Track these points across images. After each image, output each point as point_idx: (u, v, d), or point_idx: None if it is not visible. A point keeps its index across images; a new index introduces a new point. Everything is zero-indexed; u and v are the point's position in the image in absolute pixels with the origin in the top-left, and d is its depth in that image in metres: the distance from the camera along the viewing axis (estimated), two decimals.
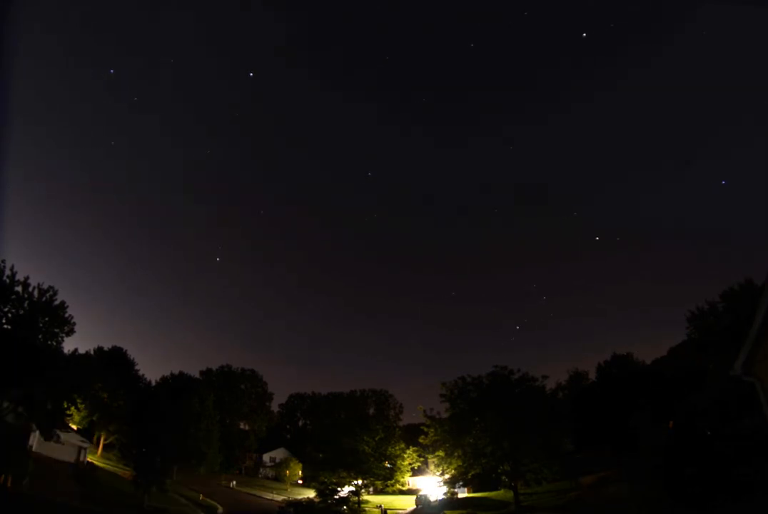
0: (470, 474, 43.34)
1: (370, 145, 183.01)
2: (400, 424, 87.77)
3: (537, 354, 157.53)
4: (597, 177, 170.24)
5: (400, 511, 51.86)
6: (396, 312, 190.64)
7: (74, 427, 46.14)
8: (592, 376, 58.59)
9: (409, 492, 65.39)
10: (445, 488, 48.42)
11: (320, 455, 58.75)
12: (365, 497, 56.47)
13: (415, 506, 52.79)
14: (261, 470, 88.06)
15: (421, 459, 61.44)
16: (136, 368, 60.79)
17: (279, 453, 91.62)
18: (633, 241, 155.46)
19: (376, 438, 55.98)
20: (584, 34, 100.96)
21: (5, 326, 29.28)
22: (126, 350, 60.85)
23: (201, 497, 47.72)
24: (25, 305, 30.05)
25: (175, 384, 59.61)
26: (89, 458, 44.46)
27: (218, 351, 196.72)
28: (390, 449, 56.88)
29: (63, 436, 32.45)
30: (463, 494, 53.38)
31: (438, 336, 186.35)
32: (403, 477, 58.82)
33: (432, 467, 59.07)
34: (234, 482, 65.95)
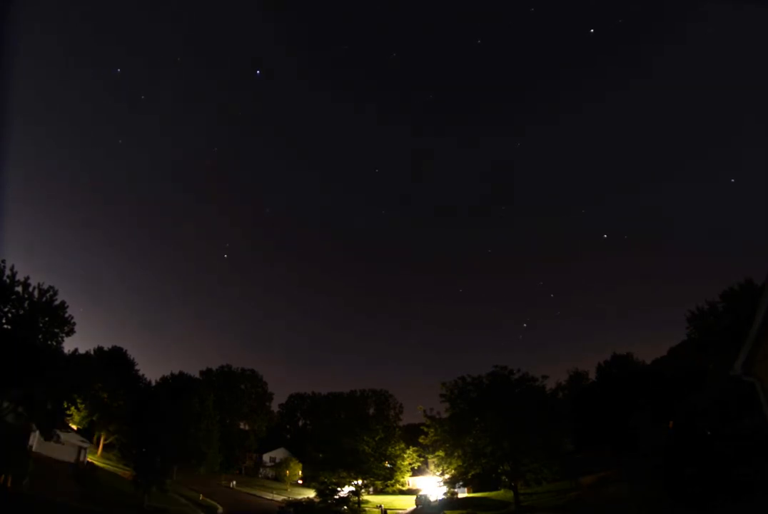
0: (470, 474, 43.33)
1: (375, 144, 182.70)
2: (400, 424, 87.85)
3: (537, 354, 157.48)
4: (604, 175, 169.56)
5: (400, 511, 51.85)
6: (396, 312, 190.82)
7: (74, 427, 46.13)
8: (592, 376, 58.69)
9: (409, 492, 65.38)
10: (445, 488, 48.40)
11: (320, 455, 58.74)
12: (365, 497, 56.46)
13: (415, 506, 52.79)
14: (261, 470, 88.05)
15: (421, 459, 61.42)
16: (136, 368, 60.87)
17: (279, 453, 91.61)
18: (639, 240, 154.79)
19: (376, 438, 55.97)
20: (592, 31, 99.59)
21: (5, 326, 29.28)
22: (126, 350, 60.94)
23: (201, 497, 47.72)
24: (25, 305, 30.04)
25: (175, 384, 59.62)
26: (89, 458, 44.45)
27: (218, 351, 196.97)
28: (390, 449, 56.87)
29: (63, 436, 32.43)
30: (463, 494, 53.37)
31: (438, 336, 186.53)
32: (403, 477, 58.81)
33: (432, 467, 59.06)
34: (234, 482, 65.95)
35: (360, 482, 54.77)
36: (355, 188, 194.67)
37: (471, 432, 42.61)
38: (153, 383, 61.86)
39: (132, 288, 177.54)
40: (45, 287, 31.20)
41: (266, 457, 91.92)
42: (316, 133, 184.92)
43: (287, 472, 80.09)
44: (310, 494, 52.18)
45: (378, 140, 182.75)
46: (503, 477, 42.59)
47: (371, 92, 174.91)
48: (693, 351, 42.05)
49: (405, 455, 58.43)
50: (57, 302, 31.56)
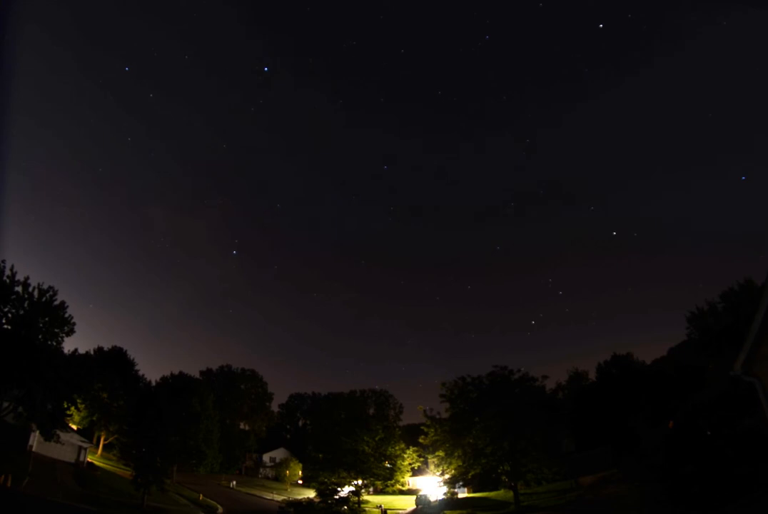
0: (470, 474, 43.29)
1: (385, 144, 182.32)
2: (400, 424, 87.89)
3: (539, 354, 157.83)
4: (613, 173, 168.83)
5: (400, 511, 51.83)
6: (396, 312, 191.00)
7: (74, 427, 46.14)
8: (592, 376, 58.68)
9: (409, 492, 65.39)
10: (445, 488, 48.35)
11: (320, 455, 58.72)
12: (365, 497, 56.44)
13: (415, 506, 52.77)
14: (261, 470, 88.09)
15: (421, 459, 61.41)
16: (136, 368, 60.84)
17: (279, 453, 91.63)
18: (645, 239, 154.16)
19: (376, 438, 55.96)
20: (600, 26, 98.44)
21: (5, 326, 29.26)
22: (126, 350, 60.91)
23: (201, 497, 47.73)
24: (25, 305, 30.04)
25: (175, 384, 59.55)
26: (89, 458, 44.47)
27: (218, 351, 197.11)
28: (390, 449, 56.87)
29: (63, 436, 32.42)
30: (463, 494, 53.35)
31: (439, 336, 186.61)
32: (403, 477, 58.80)
33: (432, 467, 59.04)
34: (234, 482, 65.97)
35: (360, 482, 54.77)
36: (356, 189, 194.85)
37: (471, 432, 42.56)
38: (153, 383, 61.92)
39: (132, 288, 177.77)
40: (45, 287, 31.24)
41: (266, 457, 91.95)
42: (324, 130, 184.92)
43: (287, 472, 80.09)
44: (310, 494, 52.12)
45: (383, 138, 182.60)
46: (503, 477, 42.58)
47: (375, 89, 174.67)
48: (693, 351, 42.05)
49: (405, 455, 58.42)
50: (57, 302, 31.58)
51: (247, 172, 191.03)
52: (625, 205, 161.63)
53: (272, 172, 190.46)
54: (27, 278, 30.36)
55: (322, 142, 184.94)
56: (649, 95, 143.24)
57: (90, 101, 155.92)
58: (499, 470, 42.01)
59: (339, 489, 48.75)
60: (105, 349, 59.92)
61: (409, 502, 56.51)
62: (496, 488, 50.65)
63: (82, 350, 49.20)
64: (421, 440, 49.62)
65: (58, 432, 30.63)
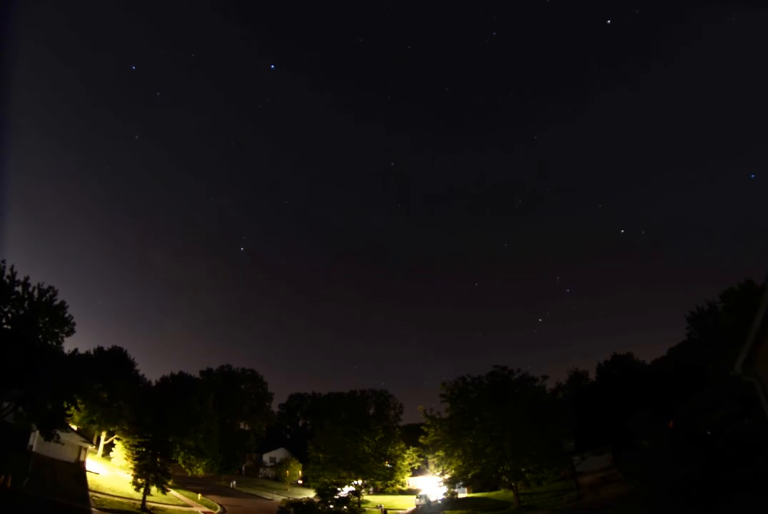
0: (470, 474, 43.32)
1: (391, 141, 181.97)
2: (400, 424, 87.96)
3: (538, 354, 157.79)
4: (621, 170, 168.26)
5: (400, 511, 51.83)
6: (395, 312, 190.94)
7: (74, 427, 46.11)
8: (592, 376, 58.64)
9: (409, 492, 65.38)
10: (445, 488, 48.39)
11: (320, 455, 58.74)
12: (365, 497, 56.44)
13: (415, 506, 52.77)
14: (261, 470, 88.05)
15: (421, 459, 61.43)
16: (136, 368, 60.82)
17: (279, 453, 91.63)
18: (653, 238, 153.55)
19: (376, 438, 55.96)
20: (608, 21, 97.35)
21: (5, 326, 29.24)
22: (126, 350, 60.85)
23: (201, 497, 47.72)
24: (25, 305, 30.01)
25: (175, 384, 59.54)
26: (89, 458, 44.42)
27: (218, 351, 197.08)
28: (390, 449, 56.87)
29: (63, 436, 32.40)
30: (463, 494, 53.37)
31: (439, 336, 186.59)
32: (403, 477, 58.81)
33: (432, 467, 59.06)
34: (234, 482, 65.94)
35: (360, 482, 54.78)
36: (362, 187, 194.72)
37: (471, 432, 42.59)
38: (153, 383, 61.86)
39: (132, 288, 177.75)
40: (45, 287, 31.22)
41: (266, 457, 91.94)
42: (324, 128, 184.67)
43: (287, 472, 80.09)
44: (310, 494, 52.11)
45: (389, 136, 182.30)
46: (503, 477, 42.60)
47: (381, 87, 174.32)
48: (693, 351, 42.05)
49: (405, 455, 58.43)
50: (57, 302, 31.55)
51: (251, 170, 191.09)
52: (632, 203, 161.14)
53: (277, 169, 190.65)
54: (27, 278, 30.34)
55: (328, 140, 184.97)
56: (657, 93, 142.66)
57: (89, 100, 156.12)
58: (499, 470, 42.02)
59: (339, 489, 48.73)
60: (105, 349, 59.91)
61: (409, 502, 56.51)
62: (496, 488, 50.68)
63: (82, 350, 49.13)
64: (421, 440, 49.63)
65: (58, 432, 30.62)
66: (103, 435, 55.20)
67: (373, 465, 54.84)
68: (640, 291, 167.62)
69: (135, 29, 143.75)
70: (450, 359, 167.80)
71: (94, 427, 52.81)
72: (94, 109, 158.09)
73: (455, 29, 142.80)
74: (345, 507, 45.85)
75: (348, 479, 53.41)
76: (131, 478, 37.04)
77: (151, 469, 36.19)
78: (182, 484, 52.89)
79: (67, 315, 31.99)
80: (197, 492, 49.24)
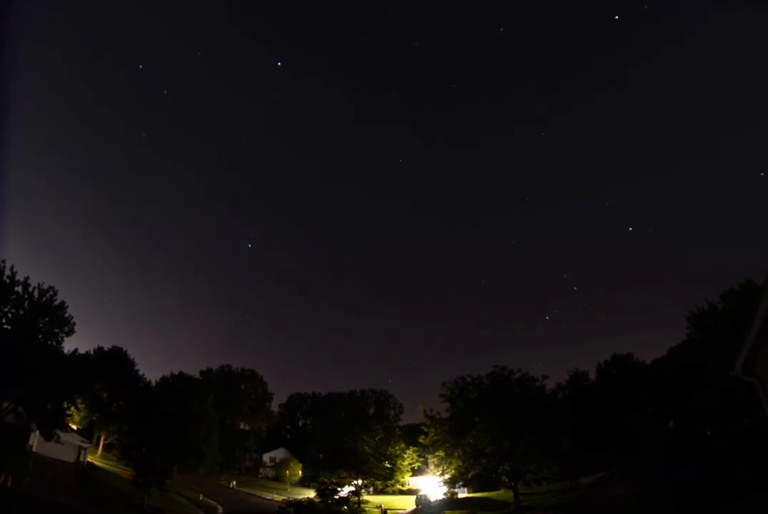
0: (470, 474, 43.33)
1: (398, 138, 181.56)
2: (400, 424, 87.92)
3: (537, 354, 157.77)
4: (630, 167, 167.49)
5: (400, 511, 51.83)
6: (397, 310, 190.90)
7: (74, 427, 46.09)
8: (592, 376, 58.59)
9: (409, 492, 65.38)
10: (445, 488, 48.38)
11: (320, 455, 58.79)
12: (365, 497, 56.45)
13: (415, 506, 52.77)
14: (261, 470, 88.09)
15: (421, 459, 61.43)
16: (136, 368, 60.75)
17: (279, 453, 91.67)
18: (661, 236, 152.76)
19: (376, 438, 55.96)
20: (616, 17, 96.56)
21: (5, 326, 29.24)
22: (126, 350, 60.80)
23: (201, 497, 47.75)
24: (25, 305, 30.01)
25: (175, 384, 59.46)
26: (89, 458, 44.38)
27: (218, 351, 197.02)
28: (390, 449, 56.87)
29: (63, 436, 32.33)
30: (463, 494, 53.36)
31: (439, 336, 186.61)
32: (403, 477, 58.80)
33: (432, 467, 59.04)
34: (234, 482, 65.98)
35: (360, 482, 54.77)
36: (363, 185, 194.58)
37: (471, 432, 42.60)
38: (153, 383, 61.78)
39: (132, 288, 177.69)
40: (45, 287, 31.21)
41: (266, 457, 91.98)
42: (330, 126, 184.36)
43: (287, 472, 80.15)
44: (310, 494, 52.15)
45: (395, 132, 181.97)
46: (503, 477, 42.64)
47: (388, 83, 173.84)
48: (693, 351, 42.01)
49: (405, 455, 58.43)
50: (57, 302, 31.55)
51: (256, 167, 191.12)
52: (641, 200, 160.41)
53: (282, 167, 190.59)
54: (27, 278, 30.32)
55: (334, 137, 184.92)
56: (665, 88, 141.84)
57: (95, 99, 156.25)
58: (499, 470, 42.06)
59: (339, 489, 48.80)
60: (105, 349, 59.85)
61: (409, 502, 56.51)
62: (496, 488, 50.70)
63: (82, 350, 49.02)
64: (421, 440, 49.65)
65: (58, 432, 30.62)
66: (103, 435, 55.20)
67: (373, 465, 54.84)
68: (640, 291, 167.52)
69: (141, 28, 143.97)
70: (450, 359, 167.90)
71: (94, 427, 52.86)
72: (99, 108, 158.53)
73: (462, 25, 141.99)
74: (345, 507, 45.91)
75: (348, 479, 53.41)
76: (131, 478, 37.08)
77: (150, 469, 36.20)
78: (182, 484, 52.92)
79: (67, 315, 32.00)
80: (197, 492, 49.27)
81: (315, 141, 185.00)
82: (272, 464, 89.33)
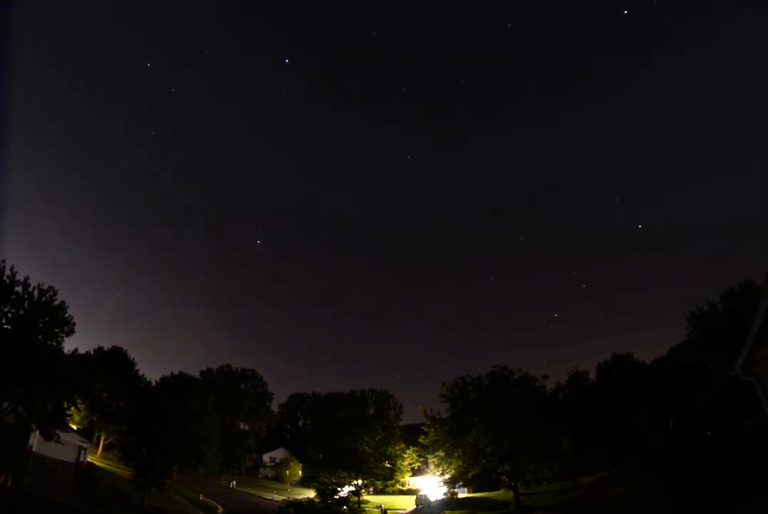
0: (470, 474, 43.32)
1: (405, 136, 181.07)
2: (400, 424, 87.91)
3: (538, 354, 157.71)
4: (635, 165, 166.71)
5: (400, 511, 51.83)
6: (397, 311, 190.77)
7: (74, 427, 46.07)
8: (592, 376, 58.58)
9: (409, 492, 65.37)
10: (445, 488, 48.38)
11: (320, 455, 58.79)
12: (365, 497, 56.45)
13: (415, 506, 52.77)
14: (261, 470, 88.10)
15: (421, 459, 61.43)
16: (136, 368, 60.75)
17: (279, 453, 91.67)
18: (670, 234, 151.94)
19: (376, 438, 55.96)
20: (625, 12, 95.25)
21: (5, 326, 29.22)
22: (126, 350, 60.80)
23: (201, 497, 47.74)
24: (25, 305, 29.98)
25: (175, 384, 59.47)
26: (89, 458, 44.36)
27: (218, 351, 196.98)
28: (390, 449, 56.87)
29: (63, 436, 32.32)
30: (463, 494, 53.35)
31: (439, 336, 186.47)
32: (403, 477, 58.80)
33: (432, 467, 59.06)
34: (234, 482, 65.98)
35: (360, 482, 54.77)
36: (368, 183, 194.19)
37: (471, 432, 42.60)
38: (153, 383, 61.78)
39: (132, 288, 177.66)
40: (45, 287, 31.19)
41: (266, 457, 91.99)
42: (337, 124, 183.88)
43: (287, 472, 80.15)
44: (310, 494, 52.15)
45: (404, 130, 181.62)
46: (503, 477, 42.61)
47: (397, 80, 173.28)
48: (693, 351, 41.97)
49: (405, 455, 58.43)
50: (57, 302, 31.51)
51: (258, 167, 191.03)
52: (649, 198, 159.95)
53: (285, 166, 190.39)
54: (27, 278, 30.28)
55: (342, 134, 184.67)
56: (672, 86, 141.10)
57: (101, 98, 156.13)
58: (499, 470, 42.05)
59: (339, 489, 48.80)
60: (105, 349, 59.85)
61: (409, 502, 56.51)
62: (496, 488, 50.69)
63: (82, 350, 48.99)
64: (421, 440, 49.64)
65: (58, 432, 30.61)
66: (103, 435, 55.19)
67: (373, 465, 54.84)
68: (641, 290, 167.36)
69: (149, 27, 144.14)
70: (451, 359, 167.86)
71: (94, 427, 52.85)
72: (99, 108, 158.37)
73: (470, 21, 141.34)
74: (345, 507, 45.90)
75: (348, 479, 53.41)
76: (131, 478, 37.08)
77: (150, 469, 36.20)
78: (182, 484, 52.93)
79: (67, 315, 31.95)
80: (197, 492, 49.27)
81: (318, 140, 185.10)
82: (272, 464, 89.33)
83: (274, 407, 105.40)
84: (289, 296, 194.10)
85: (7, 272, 29.37)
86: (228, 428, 78.48)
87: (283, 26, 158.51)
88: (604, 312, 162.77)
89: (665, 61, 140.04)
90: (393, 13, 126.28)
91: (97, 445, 54.25)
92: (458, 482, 47.38)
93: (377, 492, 62.62)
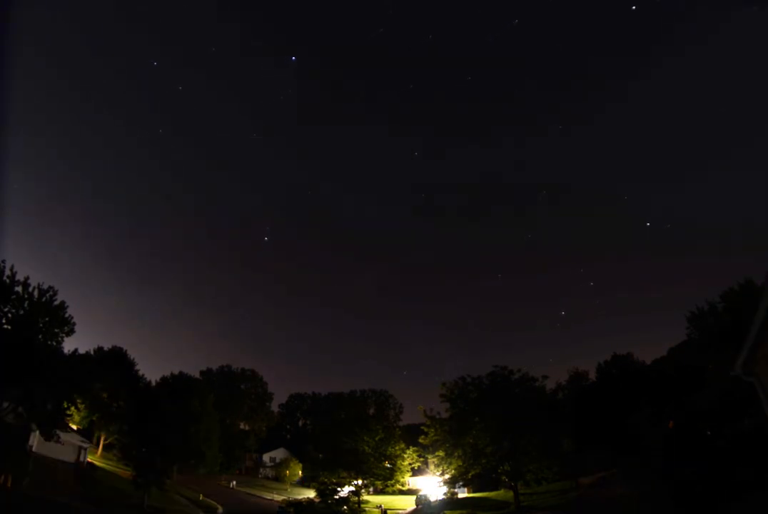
0: (470, 474, 43.33)
1: (412, 133, 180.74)
2: (400, 424, 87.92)
3: (530, 355, 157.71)
4: (644, 163, 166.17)
5: (400, 511, 51.83)
6: (396, 311, 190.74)
7: (74, 427, 46.07)
8: (592, 376, 58.57)
9: (409, 492, 65.37)
10: (445, 488, 48.39)
11: (320, 455, 58.80)
12: (365, 497, 56.45)
13: (415, 506, 52.77)
14: (261, 470, 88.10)
15: (421, 459, 61.43)
16: (136, 368, 60.74)
17: (279, 453, 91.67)
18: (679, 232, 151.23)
19: (376, 438, 55.97)
20: (633, 7, 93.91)
21: (5, 326, 29.21)
22: (126, 350, 60.80)
23: (201, 497, 47.74)
24: (25, 305, 29.97)
25: (175, 384, 59.47)
26: (89, 458, 44.37)
27: (218, 351, 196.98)
28: (390, 449, 56.88)
29: (63, 436, 32.31)
30: (463, 494, 53.35)
31: (439, 336, 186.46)
32: (403, 477, 58.81)
33: (432, 467, 59.06)
34: (234, 482, 65.98)
35: (360, 482, 54.78)
36: (372, 181, 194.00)
37: (471, 432, 42.60)
38: (153, 383, 61.78)
39: (132, 288, 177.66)
40: (45, 287, 31.18)
41: (266, 457, 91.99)
42: (343, 121, 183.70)
43: (287, 472, 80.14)
44: (310, 494, 52.16)
45: (410, 128, 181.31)
46: (503, 477, 42.61)
47: (404, 77, 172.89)
48: (693, 351, 41.96)
49: (405, 455, 58.43)
50: (57, 302, 31.50)
51: (259, 166, 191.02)
52: (649, 198, 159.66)
53: (289, 164, 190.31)
54: (27, 278, 30.27)
55: (340, 136, 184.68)
56: (684, 83, 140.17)
57: (88, 98, 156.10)
58: (499, 470, 42.05)
59: (339, 489, 48.80)
60: (105, 349, 59.84)
61: (409, 502, 56.51)
62: (496, 488, 50.68)
63: (82, 350, 48.98)
64: (421, 440, 49.64)
65: (58, 432, 30.61)
66: (103, 435, 55.19)
67: (373, 465, 54.85)
68: (641, 290, 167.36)
69: (149, 27, 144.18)
70: (451, 359, 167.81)
71: (94, 427, 52.84)
72: (99, 108, 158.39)
73: (477, 17, 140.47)
74: (345, 507, 45.90)
75: (348, 479, 53.41)
76: (131, 478, 37.08)
77: (150, 469, 36.19)
78: (182, 484, 52.92)
79: (67, 315, 31.94)
80: (197, 492, 49.26)
81: (318, 140, 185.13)
82: (272, 464, 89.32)
83: (274, 407, 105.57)
84: (289, 296, 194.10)
85: (7, 272, 29.37)
86: (228, 428, 78.48)
87: (283, 26, 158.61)
88: (604, 312, 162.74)
89: (665, 61, 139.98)
90: (393, 13, 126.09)
91: (97, 445, 54.25)
92: (458, 482, 47.39)
93: (377, 492, 62.62)
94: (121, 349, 60.74)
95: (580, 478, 42.28)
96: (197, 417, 54.57)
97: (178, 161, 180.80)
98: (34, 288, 30.52)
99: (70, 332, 32.18)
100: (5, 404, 28.19)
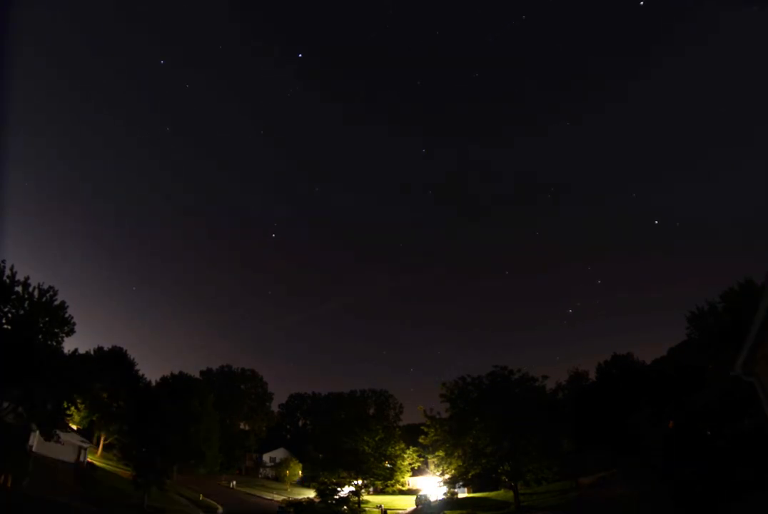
0: (470, 474, 43.32)
1: (419, 131, 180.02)
2: (400, 424, 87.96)
3: (537, 354, 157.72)
4: (651, 161, 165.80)
5: (400, 511, 51.83)
6: (396, 311, 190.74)
7: (74, 427, 46.08)
8: (592, 376, 58.55)
9: (409, 492, 65.38)
10: (445, 488, 48.39)
11: (320, 455, 58.81)
12: (365, 497, 56.46)
13: (415, 506, 52.77)
14: (261, 470, 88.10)
15: (421, 459, 61.44)
16: (136, 368, 60.73)
17: (279, 453, 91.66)
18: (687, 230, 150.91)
19: (376, 438, 55.98)
20: (641, 2, 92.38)
21: (5, 326, 29.21)
22: (126, 350, 60.79)
23: (201, 497, 47.73)
24: (25, 305, 29.96)
25: (175, 384, 59.46)
26: (89, 458, 44.38)
27: (218, 351, 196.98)
28: (390, 449, 56.89)
29: (63, 436, 32.32)
30: (463, 494, 53.35)
31: (440, 336, 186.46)
32: (403, 477, 58.83)
33: (432, 467, 59.04)
34: (234, 482, 65.97)
35: (360, 482, 54.79)
36: (375, 181, 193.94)
37: (471, 432, 42.60)
38: (153, 383, 61.78)
39: (132, 288, 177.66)
40: (45, 287, 31.18)
41: (266, 457, 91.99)
42: (350, 120, 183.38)
43: (287, 472, 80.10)
44: (310, 494, 52.17)
45: (402, 128, 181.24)
46: (503, 477, 42.60)
47: (409, 74, 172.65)
48: (693, 351, 41.95)
49: (405, 455, 58.45)
50: (57, 302, 31.50)
51: (260, 166, 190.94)
52: (649, 198, 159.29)
53: (289, 164, 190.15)
54: (27, 278, 30.27)
55: (353, 130, 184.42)
56: (690, 80, 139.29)
57: (88, 98, 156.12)
58: (499, 470, 42.04)
59: (339, 489, 48.79)
60: (105, 349, 59.82)
61: (409, 502, 56.52)
62: (496, 488, 50.68)
63: (82, 350, 48.98)
64: (421, 440, 49.64)
65: (58, 432, 30.60)
66: (103, 435, 55.19)
67: (373, 465, 54.86)
68: (641, 290, 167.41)
69: (149, 27, 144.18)
70: (451, 359, 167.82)
71: (94, 427, 52.84)
72: (99, 108, 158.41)
73: (484, 13, 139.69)
74: (345, 507, 45.90)
75: (348, 479, 53.41)
76: (131, 478, 37.07)
77: (150, 469, 36.19)
78: (182, 484, 52.92)
79: (67, 315, 31.94)
80: (197, 492, 49.26)
81: (319, 139, 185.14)
82: (272, 464, 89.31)
83: (274, 407, 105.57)
84: (289, 296, 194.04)
85: (7, 272, 29.37)
86: (228, 428, 78.50)
87: (284, 26, 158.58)
88: (604, 312, 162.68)
89: (665, 61, 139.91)
90: (393, 13, 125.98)
91: (97, 445, 54.25)
92: (458, 482, 47.41)
93: (377, 492, 62.63)
94: (121, 349, 60.74)
95: (580, 478, 42.27)
96: (197, 417, 54.58)
97: (178, 161, 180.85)
98: (34, 288, 30.53)
99: (70, 332, 32.18)
100: (5, 404, 28.19)
